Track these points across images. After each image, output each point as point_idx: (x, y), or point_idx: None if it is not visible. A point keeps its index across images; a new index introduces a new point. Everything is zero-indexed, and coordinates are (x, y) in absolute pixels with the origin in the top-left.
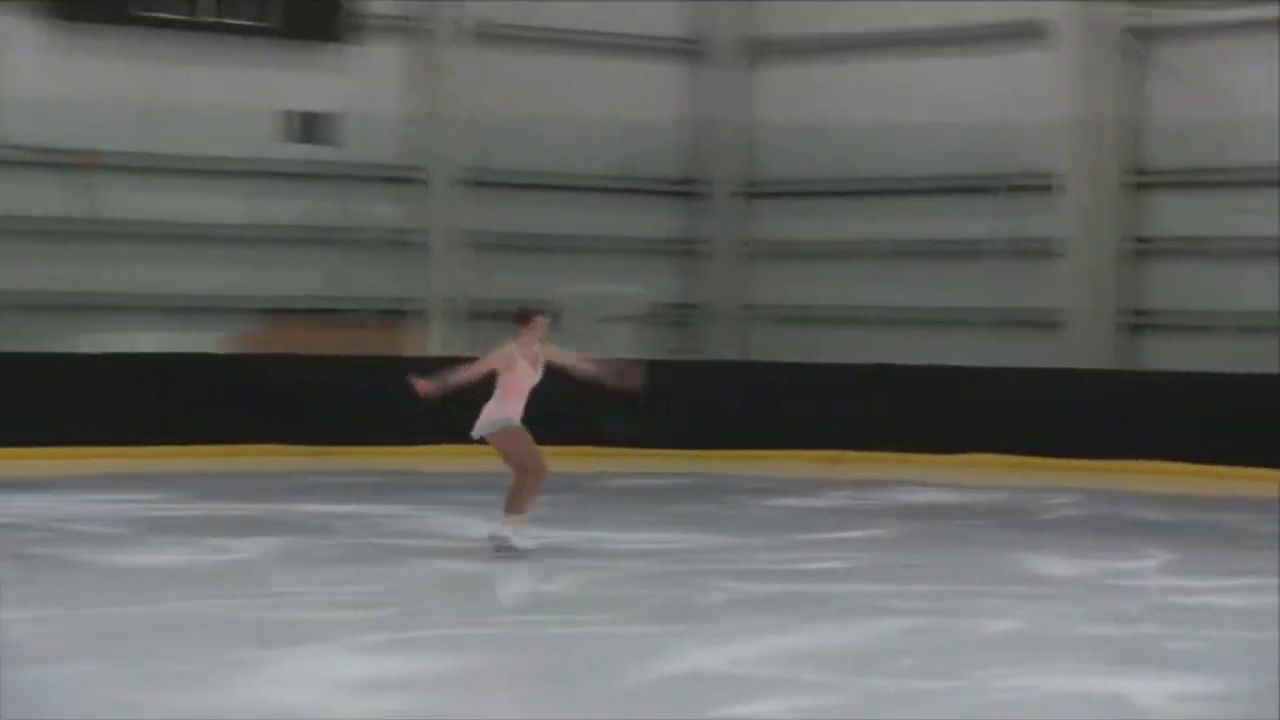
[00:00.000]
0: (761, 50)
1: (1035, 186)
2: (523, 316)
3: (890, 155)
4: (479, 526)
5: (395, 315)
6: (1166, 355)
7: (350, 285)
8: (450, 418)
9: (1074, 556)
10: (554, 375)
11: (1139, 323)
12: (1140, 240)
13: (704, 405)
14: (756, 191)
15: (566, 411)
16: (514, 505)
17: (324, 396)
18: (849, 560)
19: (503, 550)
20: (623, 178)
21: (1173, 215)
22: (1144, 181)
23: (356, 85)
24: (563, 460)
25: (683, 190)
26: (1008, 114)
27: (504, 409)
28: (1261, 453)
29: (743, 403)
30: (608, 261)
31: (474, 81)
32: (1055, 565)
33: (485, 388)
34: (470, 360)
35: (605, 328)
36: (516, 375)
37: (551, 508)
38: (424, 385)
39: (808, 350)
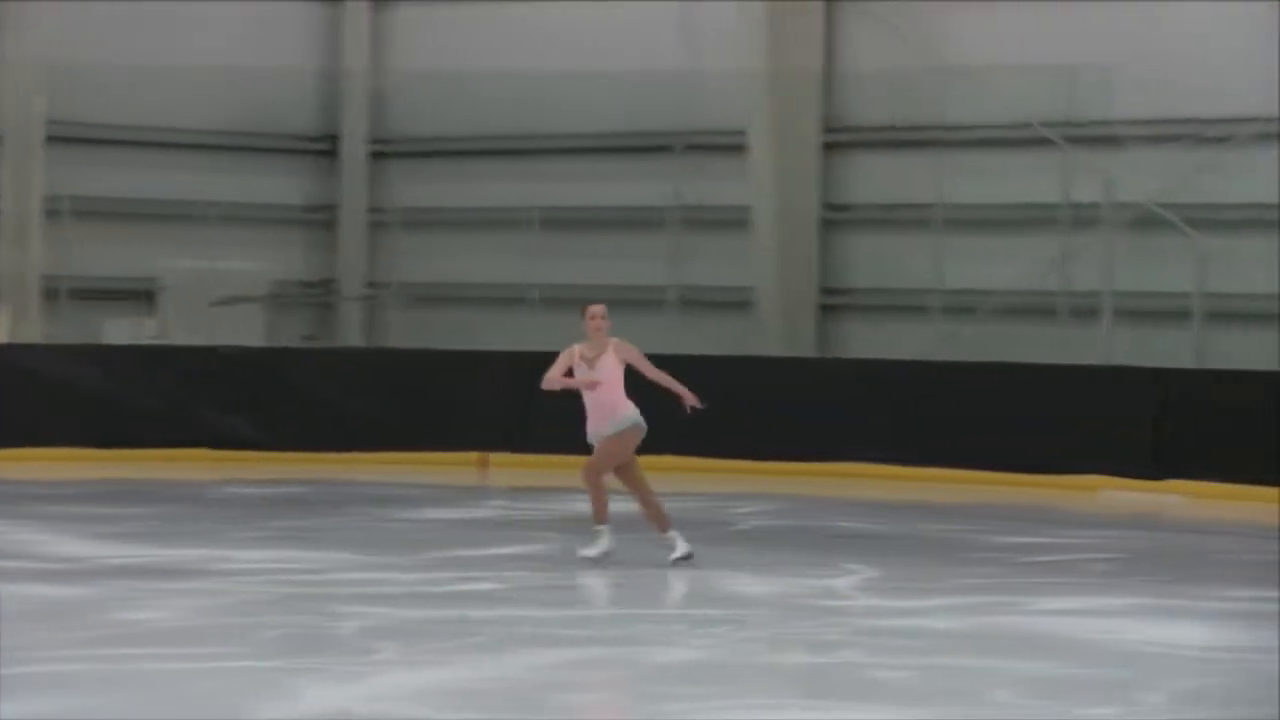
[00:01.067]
0: None
1: (719, 146)
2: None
3: (544, 110)
4: (69, 544)
5: None
6: (870, 340)
7: None
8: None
9: (765, 573)
10: (153, 365)
11: (839, 303)
12: (836, 208)
13: (333, 401)
14: (391, 151)
15: (173, 410)
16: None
17: None
18: (504, 580)
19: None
20: (241, 134)
21: (875, 179)
22: (842, 141)
23: None
24: (171, 465)
25: (313, 149)
26: (686, 64)
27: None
28: (974, 453)
29: (378, 399)
30: (223, 232)
31: (56, 22)
32: (744, 583)
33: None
34: None
35: (219, 311)
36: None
37: (156, 521)
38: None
39: (454, 336)
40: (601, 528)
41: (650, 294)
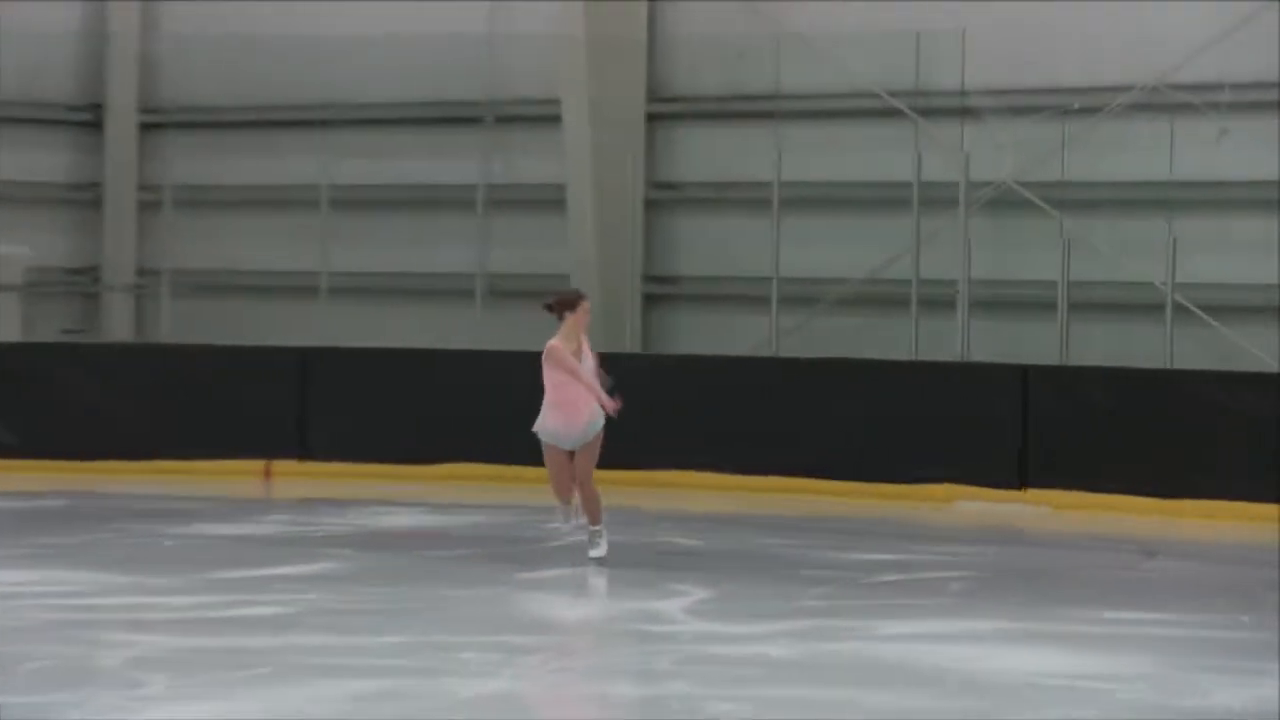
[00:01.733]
0: None
1: (533, 118)
2: (563, 304)
3: (337, 77)
4: None
5: None
6: (699, 333)
7: None
8: None
9: (583, 595)
10: None
11: (665, 292)
12: (662, 186)
13: (98, 404)
14: (163, 122)
15: None
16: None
17: None
18: (288, 604)
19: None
20: None
21: (706, 155)
22: (668, 112)
23: None
24: None
25: (76, 120)
26: (496, 27)
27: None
28: (813, 460)
29: (149, 401)
30: None
31: None
32: (560, 607)
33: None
34: None
35: None
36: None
37: None
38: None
39: (235, 330)
40: (601, 527)
41: (456, 283)
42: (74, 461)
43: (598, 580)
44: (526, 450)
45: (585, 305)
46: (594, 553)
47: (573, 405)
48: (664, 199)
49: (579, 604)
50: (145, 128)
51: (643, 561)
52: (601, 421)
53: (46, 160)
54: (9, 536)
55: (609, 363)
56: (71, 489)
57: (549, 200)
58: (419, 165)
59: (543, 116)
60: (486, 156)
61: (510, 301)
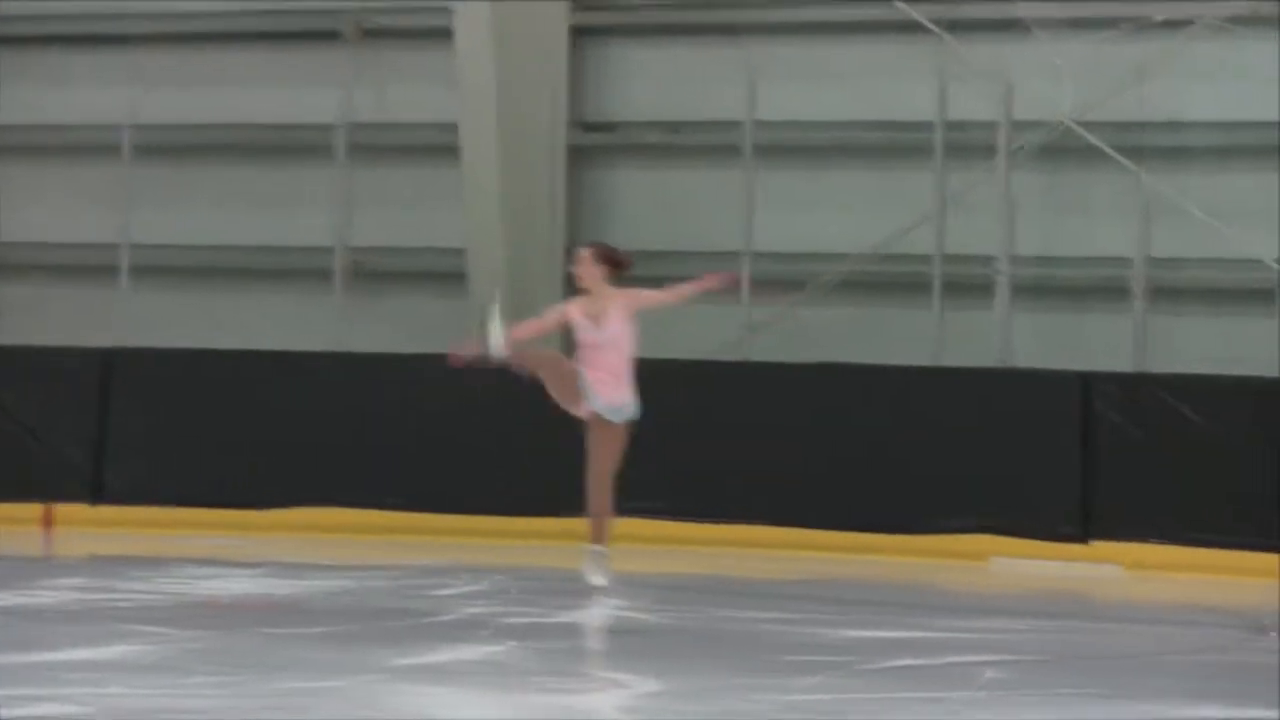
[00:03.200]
0: None
1: (413, 33)
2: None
3: None
4: None
5: None
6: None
7: None
8: None
9: (491, 687)
10: None
11: None
12: (594, 128)
13: None
14: None
15: None
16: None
17: None
18: (83, 702)
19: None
20: None
21: (643, 82)
22: (602, 25)
23: None
24: None
25: None
26: None
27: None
28: (796, 503)
29: None
30: None
31: None
32: (463, 703)
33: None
34: None
35: None
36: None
37: None
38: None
39: (5, 326)
40: (604, 549)
41: (309, 260)
42: None
43: (509, 665)
44: (404, 489)
45: (578, 254)
46: (595, 580)
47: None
48: (594, 144)
49: (486, 698)
50: None
51: (572, 640)
52: (627, 413)
53: None
54: None
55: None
56: None
57: (435, 146)
58: (257, 98)
59: (427, 31)
60: (349, 86)
61: (382, 285)
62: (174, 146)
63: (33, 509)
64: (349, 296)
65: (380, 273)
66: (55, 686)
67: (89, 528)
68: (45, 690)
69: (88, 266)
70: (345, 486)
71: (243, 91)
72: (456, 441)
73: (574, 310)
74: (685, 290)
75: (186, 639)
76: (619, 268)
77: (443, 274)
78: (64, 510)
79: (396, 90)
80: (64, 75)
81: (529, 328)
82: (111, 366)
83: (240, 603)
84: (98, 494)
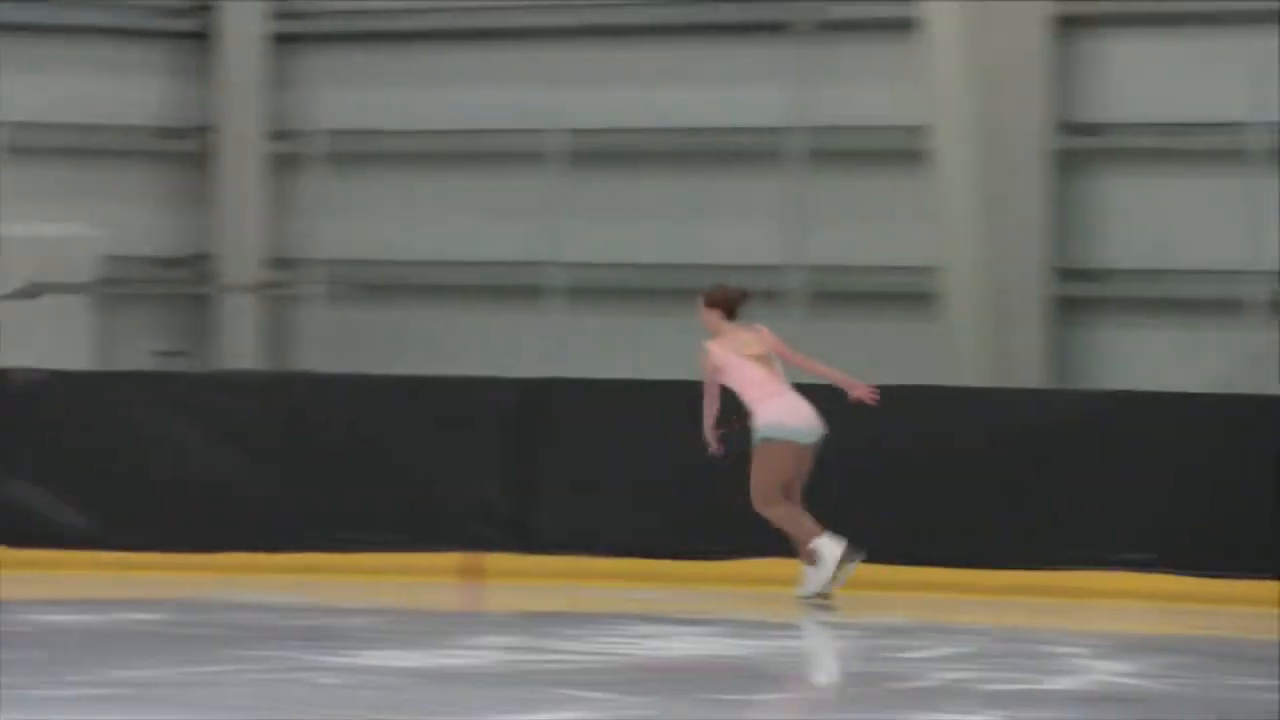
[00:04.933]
0: None
1: (869, 23)
2: (727, 299)
3: None
4: None
5: None
6: (1139, 357)
7: None
8: None
9: None
10: None
11: (1083, 294)
12: (1081, 130)
13: (205, 465)
14: (301, 32)
15: None
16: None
17: None
18: None
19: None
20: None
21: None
22: (1080, 14)
23: None
24: None
25: (178, 30)
26: None
27: (775, 409)
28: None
29: (282, 460)
30: (16, 174)
31: None
32: None
33: None
34: None
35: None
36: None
37: None
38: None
39: (413, 351)
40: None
41: (756, 279)
42: (176, 554)
43: None
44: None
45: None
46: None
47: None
48: (1080, 149)
49: None
50: (280, 41)
51: (1067, 712)
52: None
53: (128, 92)
54: (85, 666)
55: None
56: (174, 595)
57: (898, 152)
58: (697, 98)
59: (889, 21)
60: (800, 85)
61: (837, 307)
62: (604, 153)
63: (449, 558)
64: (801, 320)
65: (835, 294)
66: None
67: (514, 579)
68: None
69: (509, 287)
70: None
71: (679, 92)
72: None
73: (720, 354)
74: (820, 370)
75: (626, 705)
76: (734, 304)
77: (906, 295)
78: (485, 560)
79: (854, 89)
80: (475, 74)
81: (710, 409)
82: (538, 399)
83: (685, 665)
84: (523, 542)
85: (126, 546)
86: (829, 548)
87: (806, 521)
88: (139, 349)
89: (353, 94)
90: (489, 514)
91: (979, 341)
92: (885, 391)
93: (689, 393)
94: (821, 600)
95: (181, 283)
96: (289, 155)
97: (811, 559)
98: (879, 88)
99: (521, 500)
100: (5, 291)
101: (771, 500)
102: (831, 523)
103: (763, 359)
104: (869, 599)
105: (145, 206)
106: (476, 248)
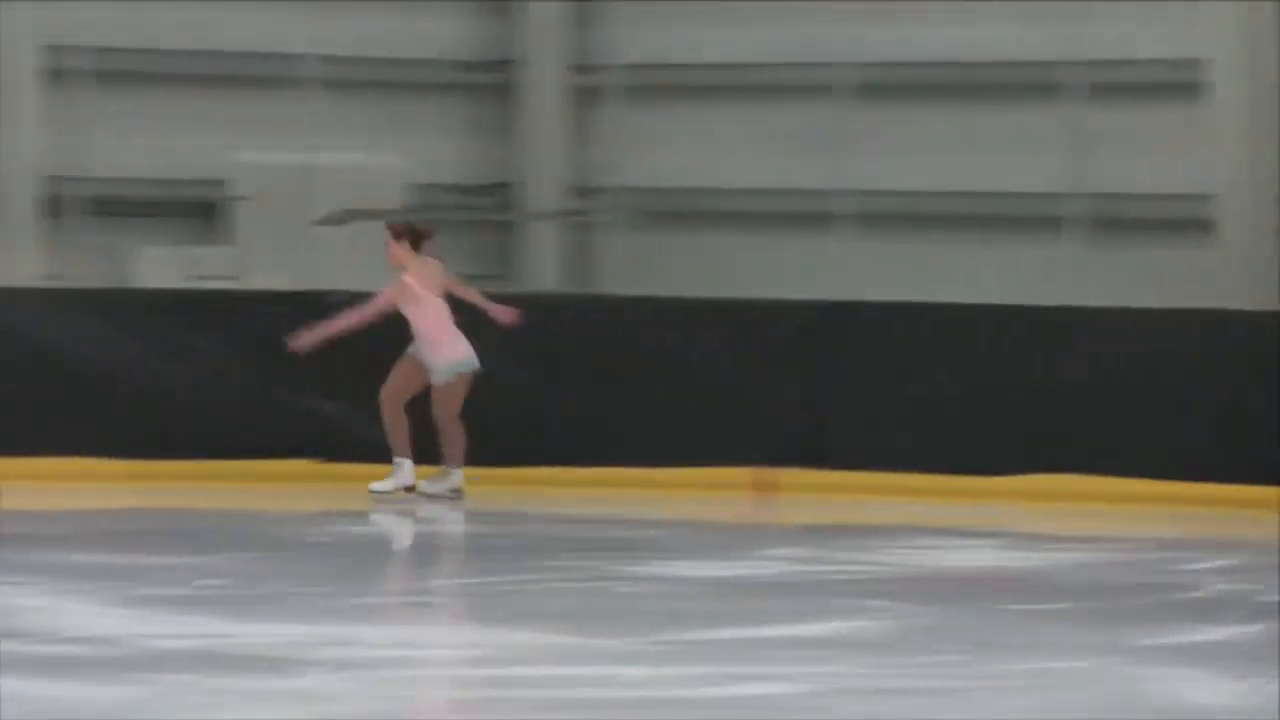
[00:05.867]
0: None
1: None
2: (415, 233)
3: None
4: (88, 616)
5: None
6: None
7: None
8: None
9: (1240, 671)
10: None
11: None
12: None
13: (507, 383)
14: None
15: (251, 398)
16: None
17: None
18: (801, 680)
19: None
20: None
21: None
22: None
23: None
24: (246, 489)
25: None
26: None
27: (457, 347)
28: None
29: (583, 379)
30: (332, 106)
31: None
32: (1199, 689)
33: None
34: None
35: (325, 234)
36: (432, 307)
37: (224, 579)
38: (302, 339)
39: (707, 276)
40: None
41: (1038, 207)
42: (483, 468)
43: (1261, 647)
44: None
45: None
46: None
47: None
48: None
49: (1232, 686)
50: None
51: None
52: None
53: (431, 28)
54: (397, 576)
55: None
56: (480, 509)
57: (1171, 84)
58: (978, 34)
59: None
60: (1079, 18)
61: (1120, 234)
62: (891, 85)
63: (744, 473)
64: (1081, 246)
65: (1119, 221)
66: (770, 664)
67: (806, 494)
68: (760, 668)
69: (801, 214)
70: (1076, 450)
71: (964, 28)
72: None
73: (417, 289)
74: (473, 297)
75: (911, 615)
76: (421, 238)
77: (1186, 222)
78: (779, 475)
79: (1130, 26)
80: (768, 11)
81: (345, 325)
82: (834, 320)
83: (971, 576)
84: (816, 458)
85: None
86: (406, 472)
87: (406, 438)
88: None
89: (652, 30)
90: (784, 431)
91: (1258, 266)
92: (1166, 315)
93: (981, 315)
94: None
95: (485, 210)
96: (589, 88)
97: (394, 467)
98: (1158, 27)
99: (816, 418)
100: (318, 218)
101: (397, 406)
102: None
103: (444, 289)
104: (1140, 514)
105: (451, 137)
106: (769, 176)
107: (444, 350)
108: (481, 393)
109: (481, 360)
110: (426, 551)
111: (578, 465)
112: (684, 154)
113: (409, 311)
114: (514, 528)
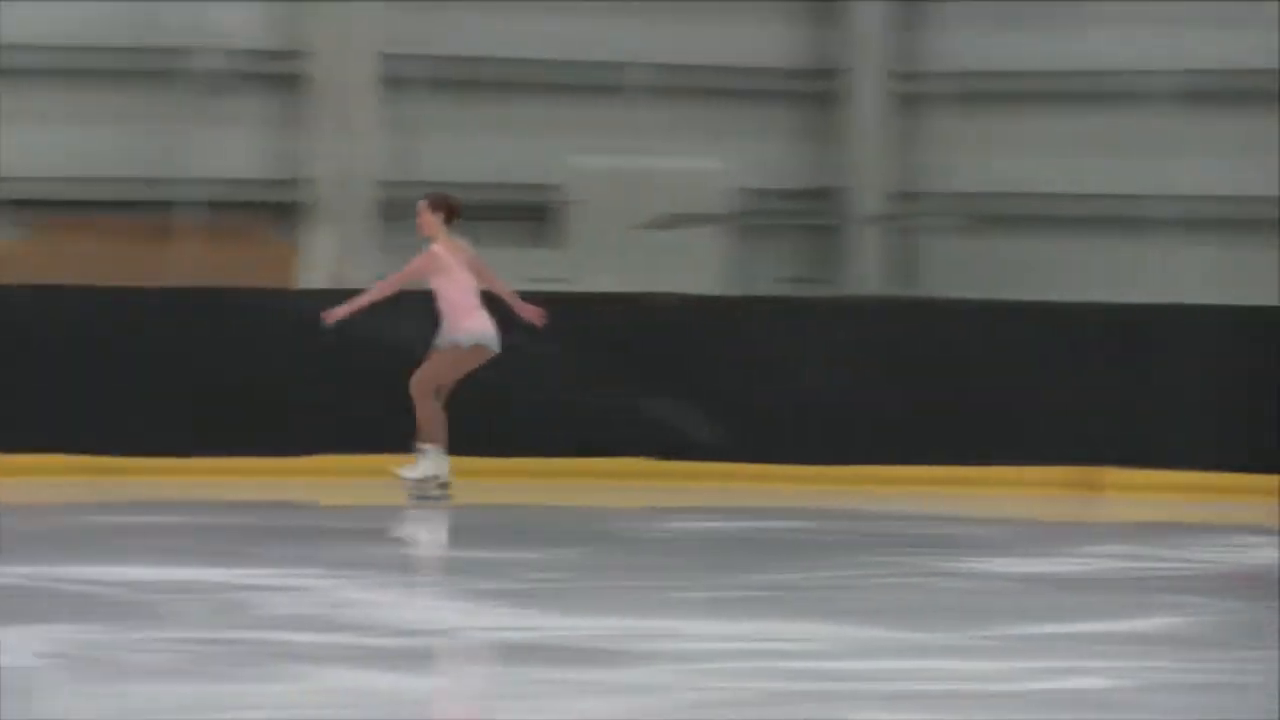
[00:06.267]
0: None
1: None
2: (450, 208)
3: None
4: (424, 609)
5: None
6: None
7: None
8: None
9: None
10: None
11: None
12: None
13: (825, 382)
14: None
15: (579, 398)
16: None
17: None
18: (1117, 675)
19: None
20: None
21: None
22: None
23: None
24: (583, 485)
25: None
26: None
27: (481, 320)
28: None
29: (904, 375)
30: (657, 114)
31: None
32: None
33: None
34: None
35: (651, 239)
36: (460, 279)
37: (559, 573)
38: (334, 312)
39: (1027, 280)
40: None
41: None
42: (800, 466)
43: None
44: None
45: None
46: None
47: None
48: None
49: None
50: None
51: None
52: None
53: (757, 36)
54: (720, 571)
55: None
56: (798, 506)
57: None
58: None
59: None
60: None
61: None
62: (1210, 91)
63: (1064, 472)
64: None
65: None
66: (1091, 659)
67: (1126, 493)
68: (1082, 662)
69: (1118, 218)
70: None
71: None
72: None
73: (445, 257)
74: (499, 286)
75: (1217, 610)
76: (454, 212)
77: None
78: (1102, 474)
79: None
80: (1086, 18)
81: (372, 298)
82: (1142, 321)
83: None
84: (1142, 455)
85: (756, 459)
86: (437, 460)
87: (440, 427)
88: (769, 277)
89: (975, 39)
90: (1103, 431)
91: None
92: None
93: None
94: (423, 490)
95: (810, 214)
96: (913, 95)
97: (420, 455)
98: None
99: (1133, 418)
100: (646, 222)
101: (428, 393)
102: None
103: (472, 269)
104: None
105: (776, 142)
106: (1087, 181)
107: (466, 321)
108: (796, 391)
109: (799, 360)
110: (754, 547)
111: (898, 464)
112: (1006, 159)
113: (436, 282)
114: (840, 524)
